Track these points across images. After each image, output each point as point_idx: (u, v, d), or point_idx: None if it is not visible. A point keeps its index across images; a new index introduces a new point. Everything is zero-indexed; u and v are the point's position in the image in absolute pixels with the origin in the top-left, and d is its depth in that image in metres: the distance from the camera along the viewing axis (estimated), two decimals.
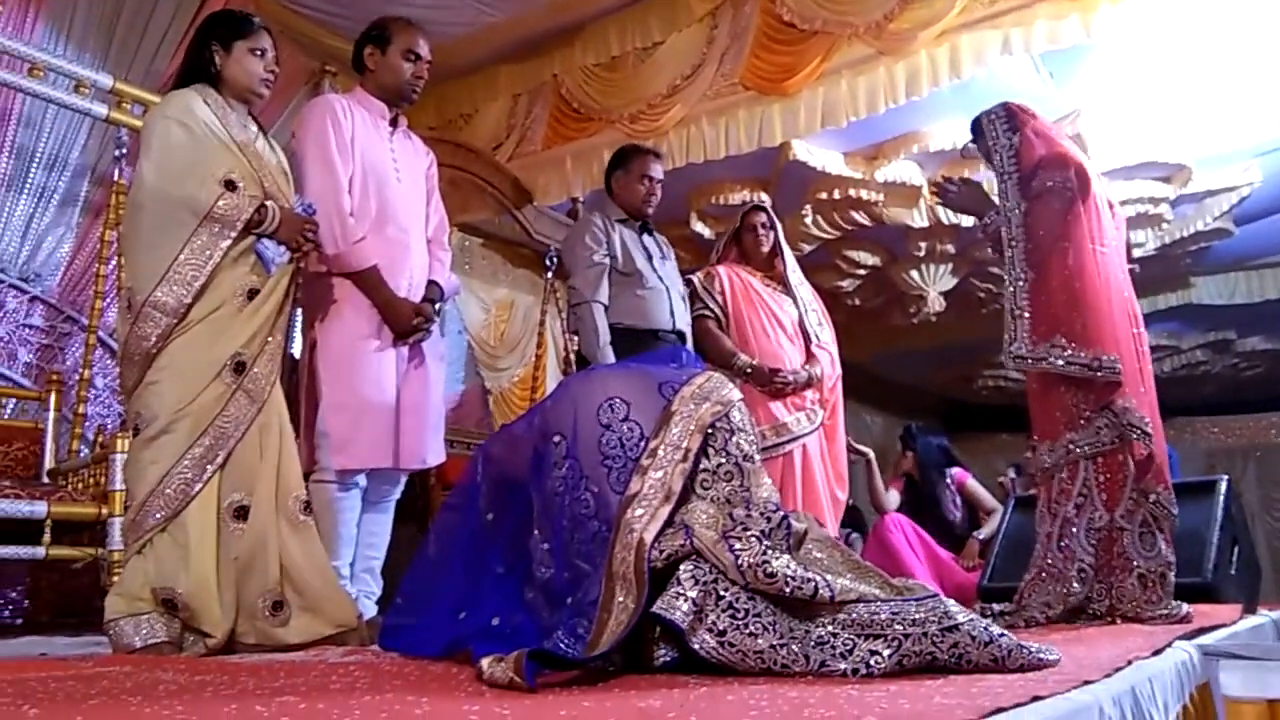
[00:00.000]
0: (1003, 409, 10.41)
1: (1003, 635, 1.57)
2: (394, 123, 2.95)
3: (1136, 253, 6.71)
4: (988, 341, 8.91)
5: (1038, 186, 3.04)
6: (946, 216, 6.04)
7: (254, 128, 2.57)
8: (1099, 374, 2.86)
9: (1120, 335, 2.94)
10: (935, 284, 7.06)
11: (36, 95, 3.68)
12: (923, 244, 6.53)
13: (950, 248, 6.60)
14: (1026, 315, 3.00)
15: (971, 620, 1.56)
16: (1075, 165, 3.05)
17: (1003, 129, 3.14)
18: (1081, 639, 2.26)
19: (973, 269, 7.00)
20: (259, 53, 2.55)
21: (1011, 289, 3.05)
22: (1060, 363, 2.90)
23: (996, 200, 3.16)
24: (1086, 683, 1.32)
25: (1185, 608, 2.77)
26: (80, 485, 3.25)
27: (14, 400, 3.80)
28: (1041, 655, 1.59)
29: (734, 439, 1.89)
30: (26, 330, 4.09)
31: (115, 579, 2.87)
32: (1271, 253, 7.49)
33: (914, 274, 6.98)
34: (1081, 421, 2.91)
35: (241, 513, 2.26)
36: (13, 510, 2.90)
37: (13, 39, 3.69)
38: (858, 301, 7.56)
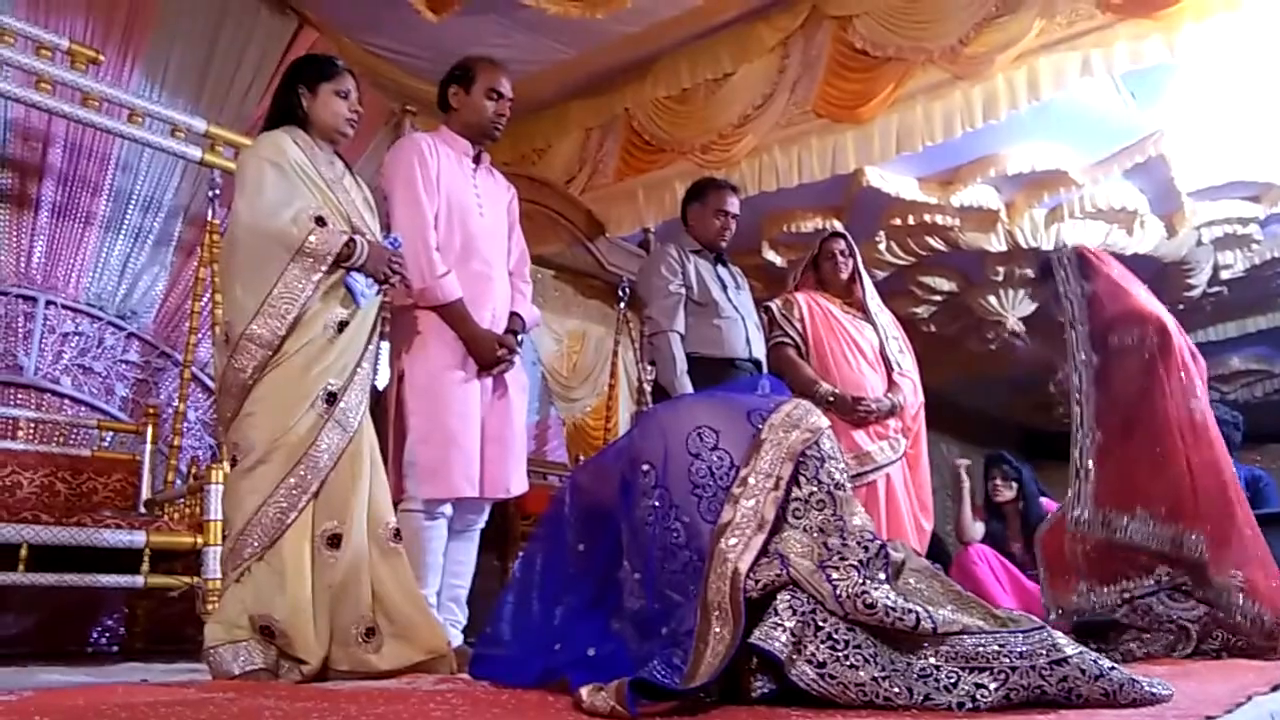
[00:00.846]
0: None
1: (1114, 669, 1.52)
2: (477, 159, 3.01)
3: (1225, 275, 6.53)
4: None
5: (1115, 344, 2.88)
6: (1025, 240, 5.93)
7: (340, 165, 2.65)
8: (1183, 553, 2.71)
9: (1207, 507, 2.74)
10: (1014, 309, 6.93)
11: (136, 140, 3.84)
12: (1000, 269, 6.43)
13: (1029, 272, 6.47)
14: (1092, 476, 2.84)
15: (1081, 653, 1.51)
16: (1154, 321, 2.89)
17: (1074, 274, 2.99)
18: (1189, 674, 2.18)
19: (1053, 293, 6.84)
20: (343, 94, 2.63)
21: (1077, 446, 2.88)
22: (1134, 537, 2.75)
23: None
24: (1208, 718, 1.27)
25: None
26: (176, 515, 3.34)
27: (112, 433, 3.93)
28: (1154, 690, 1.54)
29: (825, 466, 1.87)
30: (123, 366, 4.23)
31: (210, 607, 2.95)
32: None
33: (991, 299, 6.86)
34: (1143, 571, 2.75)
35: (335, 540, 2.30)
36: (113, 540, 2.99)
37: (113, 87, 3.86)
38: (933, 328, 7.45)
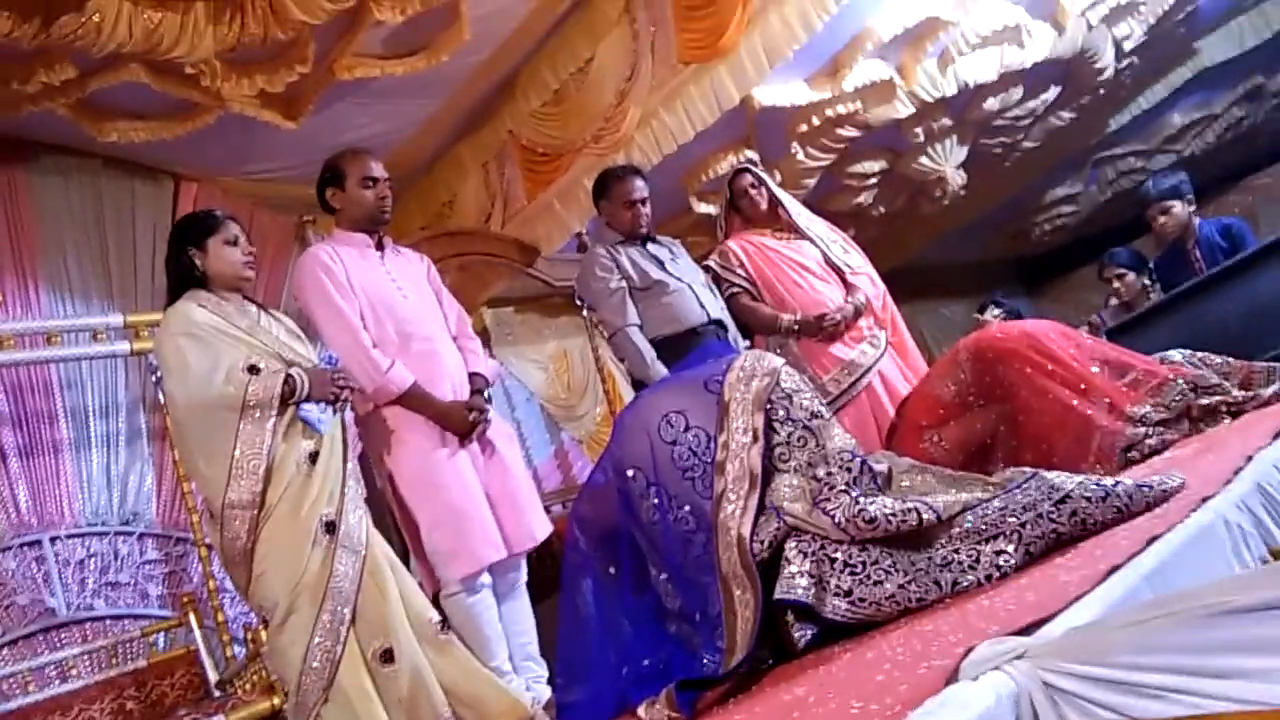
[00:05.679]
0: (1069, 246, 10.16)
1: (1117, 484, 1.54)
2: (379, 246, 3.02)
3: (1128, 45, 6.51)
4: (1024, 191, 8.73)
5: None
6: (929, 95, 5.93)
7: (253, 308, 2.66)
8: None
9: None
10: (949, 160, 6.92)
11: (63, 360, 3.87)
12: (918, 129, 6.42)
13: (946, 121, 6.46)
14: None
15: (1079, 483, 1.54)
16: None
17: None
18: (1210, 445, 2.19)
19: (978, 131, 6.85)
20: (232, 241, 2.64)
21: None
22: None
23: None
24: (1205, 499, 1.30)
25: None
26: (248, 685, 3.38)
27: (163, 634, 3.97)
28: (1165, 486, 1.56)
29: (794, 401, 1.90)
30: (147, 566, 4.27)
31: None
32: None
33: (924, 160, 6.85)
34: None
35: (388, 655, 2.33)
36: None
37: (21, 320, 3.88)
38: (882, 209, 7.44)
